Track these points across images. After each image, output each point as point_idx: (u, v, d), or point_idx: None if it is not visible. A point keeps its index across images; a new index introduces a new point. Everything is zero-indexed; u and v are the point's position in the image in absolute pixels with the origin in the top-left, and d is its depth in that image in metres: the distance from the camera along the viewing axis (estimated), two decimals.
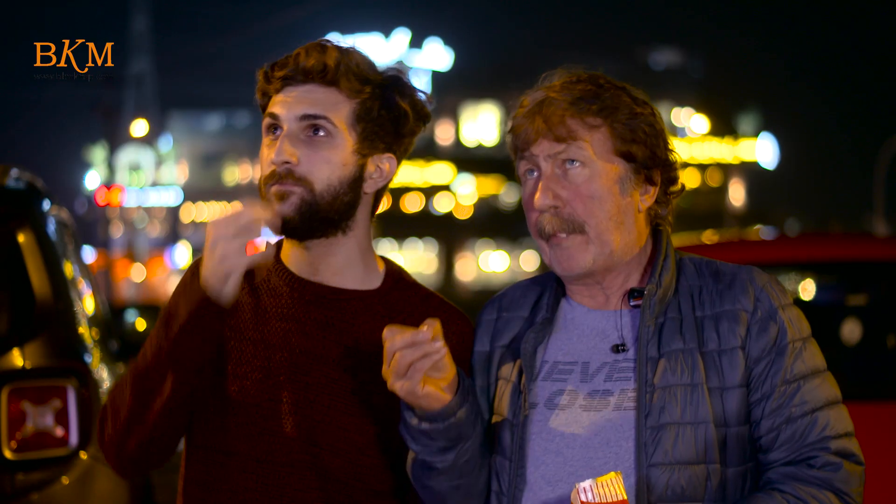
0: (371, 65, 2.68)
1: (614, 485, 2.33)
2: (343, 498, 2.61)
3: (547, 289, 2.66)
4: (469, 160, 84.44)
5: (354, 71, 2.64)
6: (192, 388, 2.55)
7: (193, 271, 2.55)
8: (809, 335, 2.54)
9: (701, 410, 2.45)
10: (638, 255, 2.59)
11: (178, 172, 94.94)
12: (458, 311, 2.77)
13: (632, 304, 2.56)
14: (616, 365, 2.53)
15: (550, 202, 2.53)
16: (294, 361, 2.61)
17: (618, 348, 2.54)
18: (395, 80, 2.68)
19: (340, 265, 2.68)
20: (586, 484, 2.33)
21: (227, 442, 2.61)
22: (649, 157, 2.54)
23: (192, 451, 2.66)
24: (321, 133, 2.62)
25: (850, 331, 6.92)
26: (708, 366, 2.48)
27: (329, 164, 2.61)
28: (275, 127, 2.64)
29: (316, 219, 2.62)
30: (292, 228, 2.63)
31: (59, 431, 4.62)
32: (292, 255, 2.70)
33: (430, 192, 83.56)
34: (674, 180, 2.61)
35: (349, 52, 2.65)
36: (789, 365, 2.48)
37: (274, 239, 2.69)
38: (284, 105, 2.63)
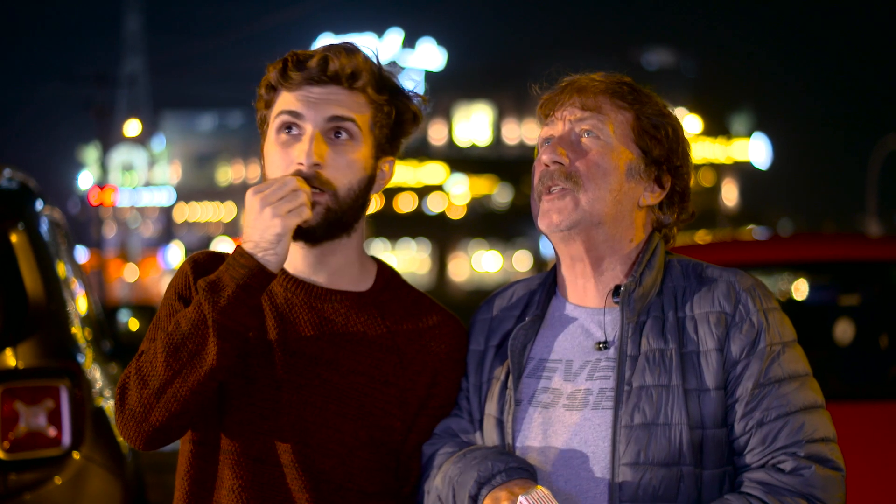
0: (388, 71, 2.70)
1: (547, 500, 2.38)
2: (336, 499, 2.61)
3: (540, 288, 2.67)
4: (462, 160, 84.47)
5: (377, 77, 2.65)
6: (239, 357, 2.55)
7: (202, 259, 2.64)
8: (792, 340, 2.53)
9: (676, 412, 2.44)
10: (629, 251, 2.59)
11: (171, 172, 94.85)
12: (448, 312, 2.77)
13: (615, 301, 2.56)
14: (598, 363, 2.53)
15: (558, 157, 2.55)
16: (288, 362, 2.61)
17: (600, 346, 2.54)
18: (402, 87, 2.71)
19: (339, 266, 2.68)
20: (522, 498, 2.38)
21: (227, 440, 2.61)
22: (664, 158, 2.57)
23: (193, 447, 2.65)
24: (343, 136, 2.61)
25: (843, 331, 6.93)
26: (687, 367, 2.47)
27: (352, 168, 2.61)
28: (291, 125, 2.60)
29: (337, 224, 2.62)
30: (312, 236, 2.62)
31: (52, 431, 4.62)
32: (290, 255, 2.67)
33: (423, 192, 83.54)
34: (684, 196, 2.62)
35: (371, 59, 2.66)
36: (765, 368, 2.46)
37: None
38: (308, 104, 2.60)
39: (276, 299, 2.65)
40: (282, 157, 2.59)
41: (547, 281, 2.67)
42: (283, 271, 2.68)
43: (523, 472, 2.47)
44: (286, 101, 2.61)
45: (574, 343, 2.57)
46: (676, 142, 2.59)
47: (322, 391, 2.61)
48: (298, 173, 2.56)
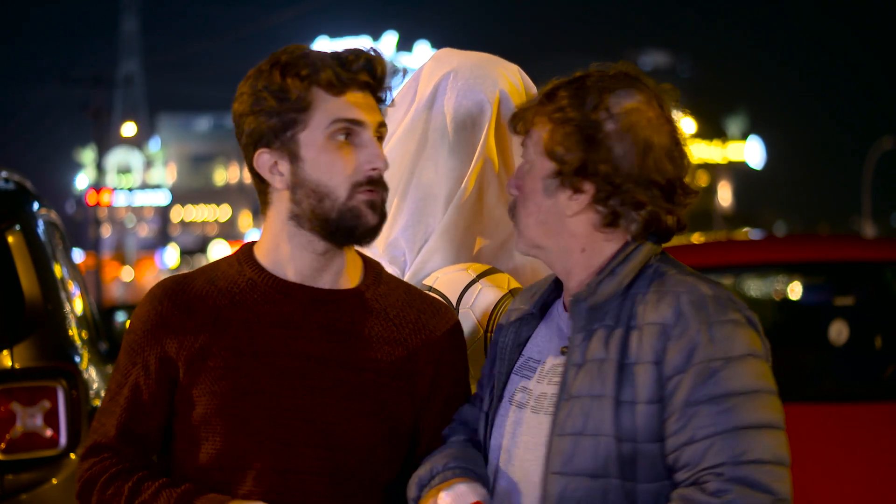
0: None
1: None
2: (360, 496, 2.63)
3: (549, 286, 2.68)
4: None
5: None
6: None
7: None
8: (743, 355, 2.38)
9: (604, 424, 2.39)
10: (592, 260, 2.52)
11: (167, 174, 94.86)
12: (440, 301, 2.80)
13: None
14: (556, 368, 2.53)
15: (508, 191, 2.65)
16: (296, 367, 2.61)
17: (563, 350, 2.55)
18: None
19: (341, 267, 2.70)
20: (444, 493, 2.48)
21: (243, 458, 2.59)
22: (581, 163, 2.47)
23: (201, 474, 2.61)
24: (382, 141, 2.69)
25: (838, 332, 6.94)
26: (625, 378, 2.40)
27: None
28: (349, 132, 2.62)
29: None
30: (368, 238, 2.66)
31: (49, 432, 4.62)
32: (291, 259, 2.66)
33: None
34: (624, 193, 2.47)
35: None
36: (699, 384, 2.35)
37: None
38: (364, 110, 2.63)
39: (277, 305, 2.64)
40: (344, 162, 2.61)
41: (556, 279, 2.69)
42: (276, 277, 2.66)
43: (464, 472, 2.52)
44: (340, 107, 2.62)
45: (550, 345, 2.58)
46: (616, 140, 2.46)
47: (338, 392, 2.61)
48: (369, 178, 2.61)
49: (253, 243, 2.74)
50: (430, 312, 2.75)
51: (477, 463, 2.56)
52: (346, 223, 2.61)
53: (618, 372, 2.41)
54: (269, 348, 2.61)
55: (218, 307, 2.63)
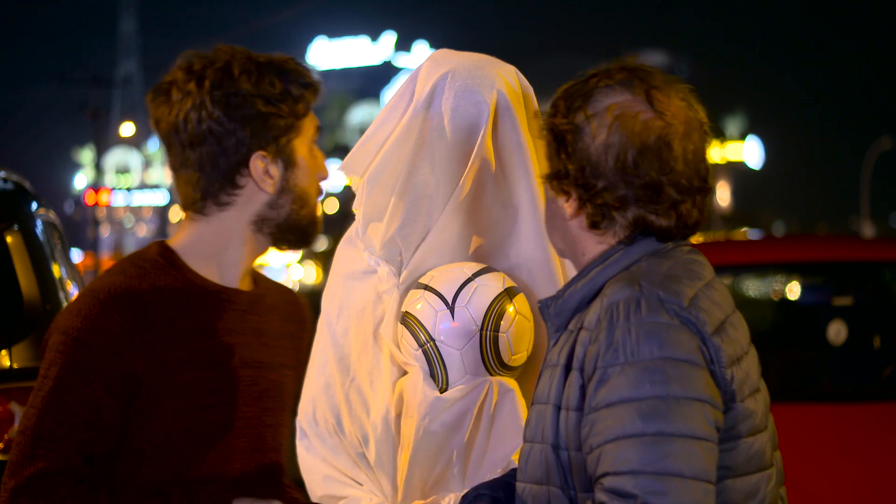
0: None
1: None
2: (279, 495, 2.69)
3: None
4: None
5: None
6: None
7: None
8: (650, 359, 2.24)
9: (547, 431, 2.37)
10: (584, 263, 2.50)
11: (165, 174, 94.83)
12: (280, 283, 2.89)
13: None
14: None
15: None
16: (245, 375, 2.63)
17: None
18: None
19: (252, 268, 2.74)
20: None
21: (204, 471, 2.57)
22: (564, 169, 2.45)
23: (151, 488, 2.53)
24: None
25: (836, 332, 6.95)
26: (567, 384, 2.36)
27: None
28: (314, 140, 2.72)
29: None
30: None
31: None
32: (235, 264, 2.65)
33: None
34: (602, 199, 2.42)
35: None
36: (595, 391, 2.27)
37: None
38: None
39: (220, 312, 2.62)
40: (318, 170, 2.69)
41: None
42: (213, 283, 2.63)
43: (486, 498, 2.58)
44: (312, 119, 2.69)
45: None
46: (590, 141, 2.42)
47: (273, 393, 2.67)
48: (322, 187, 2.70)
49: (164, 244, 2.65)
50: (292, 298, 2.82)
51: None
52: (312, 229, 2.67)
53: (562, 377, 2.38)
54: (222, 358, 2.60)
55: (171, 317, 2.55)
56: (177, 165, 2.60)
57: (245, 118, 2.58)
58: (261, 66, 2.59)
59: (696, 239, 9.30)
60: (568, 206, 2.47)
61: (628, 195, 2.40)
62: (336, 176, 3.26)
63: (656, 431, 2.21)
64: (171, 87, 2.58)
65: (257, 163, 2.60)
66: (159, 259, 2.59)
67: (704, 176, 2.45)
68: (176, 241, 2.63)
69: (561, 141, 2.45)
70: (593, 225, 2.44)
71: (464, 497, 2.59)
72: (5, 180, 5.25)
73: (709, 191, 2.47)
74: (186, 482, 2.54)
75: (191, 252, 2.61)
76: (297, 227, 2.64)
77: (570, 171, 2.43)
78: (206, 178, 2.59)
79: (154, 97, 2.60)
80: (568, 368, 2.36)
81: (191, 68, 2.58)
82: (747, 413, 2.34)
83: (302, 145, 2.64)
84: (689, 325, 2.29)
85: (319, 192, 2.67)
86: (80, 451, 2.45)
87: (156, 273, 2.57)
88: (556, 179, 2.47)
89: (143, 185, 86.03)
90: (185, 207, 2.63)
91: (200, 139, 2.57)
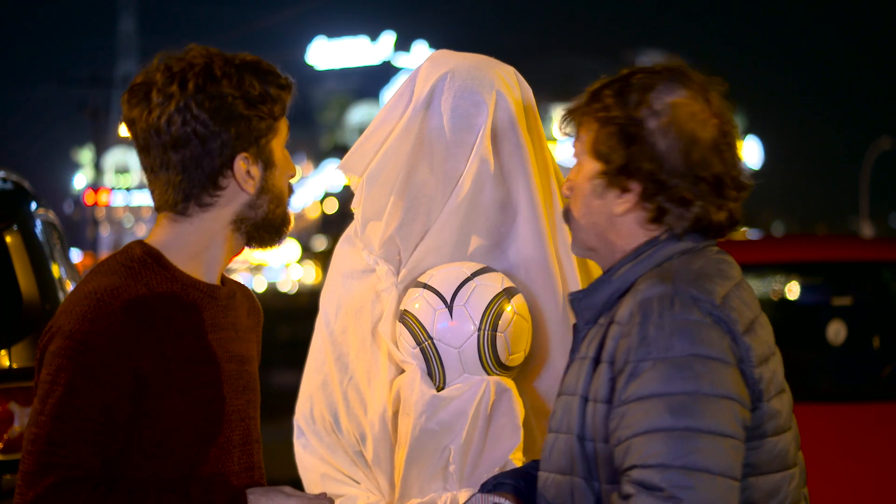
0: None
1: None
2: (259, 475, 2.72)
3: None
4: None
5: None
6: None
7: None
8: (680, 356, 2.28)
9: (573, 422, 2.40)
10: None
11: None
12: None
13: None
14: None
15: (563, 192, 2.66)
16: (234, 369, 2.65)
17: None
18: None
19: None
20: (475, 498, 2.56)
21: (207, 466, 2.58)
22: (626, 162, 2.45)
23: (178, 484, 2.55)
24: None
25: (836, 332, 6.96)
26: (594, 377, 2.40)
27: None
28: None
29: None
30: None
31: None
32: (216, 262, 2.66)
33: None
34: (676, 193, 2.44)
35: None
36: (628, 385, 2.31)
37: None
38: None
39: (208, 310, 2.64)
40: (289, 166, 2.69)
41: None
42: (205, 282, 2.64)
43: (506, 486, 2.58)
44: (285, 120, 2.68)
45: None
46: (660, 136, 2.45)
47: (252, 386, 2.70)
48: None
49: (145, 243, 2.64)
50: (251, 296, 2.83)
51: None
52: (285, 228, 2.69)
53: (590, 370, 2.41)
54: (214, 355, 2.61)
55: (168, 316, 2.56)
56: (155, 167, 2.59)
57: (229, 120, 2.57)
58: (239, 68, 2.58)
59: None
60: (622, 201, 2.47)
61: (697, 190, 2.44)
62: (335, 175, 3.27)
63: (685, 427, 2.25)
64: (150, 88, 2.56)
65: (240, 164, 2.59)
66: (146, 258, 2.59)
67: (744, 175, 2.52)
68: (157, 241, 2.62)
69: (626, 135, 2.45)
70: (656, 219, 2.45)
71: (483, 484, 2.61)
72: (5, 180, 5.26)
73: (749, 189, 2.52)
74: (193, 477, 2.55)
75: (174, 251, 2.62)
76: (272, 225, 2.65)
77: (639, 165, 2.44)
78: (188, 179, 2.58)
79: (130, 98, 2.58)
80: (597, 361, 2.40)
81: (170, 70, 2.56)
82: (773, 413, 2.38)
83: (278, 146, 2.65)
84: (720, 324, 2.33)
85: (291, 191, 2.69)
86: (97, 454, 2.45)
87: (146, 273, 2.57)
88: (625, 175, 2.45)
89: (142, 185, 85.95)
90: (163, 208, 2.61)
91: (184, 141, 2.56)
